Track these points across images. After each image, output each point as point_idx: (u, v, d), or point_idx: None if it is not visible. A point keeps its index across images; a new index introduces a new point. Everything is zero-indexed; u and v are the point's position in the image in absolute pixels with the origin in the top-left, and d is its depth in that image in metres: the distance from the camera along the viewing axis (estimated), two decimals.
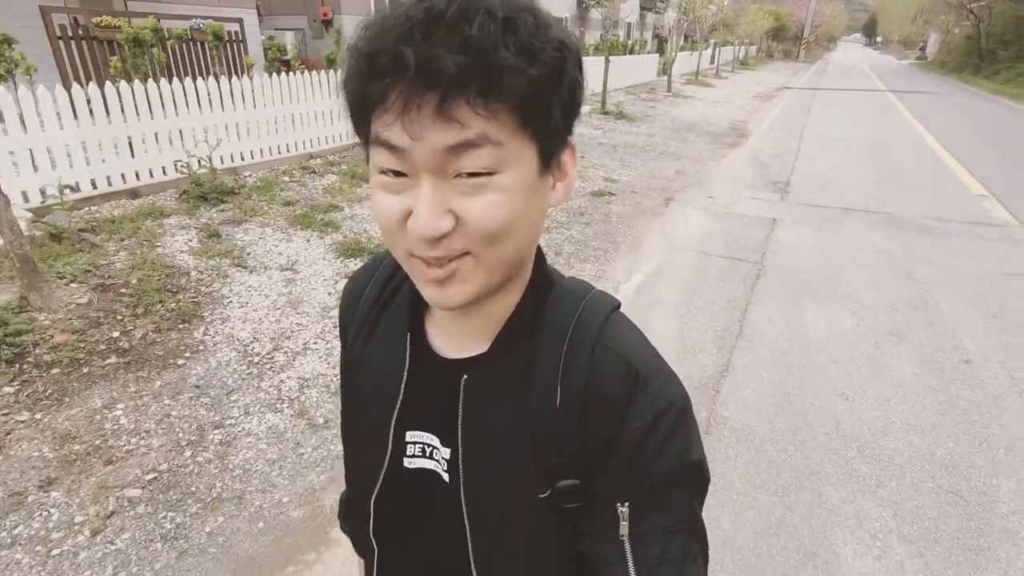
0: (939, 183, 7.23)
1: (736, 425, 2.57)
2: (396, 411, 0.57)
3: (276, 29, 13.77)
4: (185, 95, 4.94)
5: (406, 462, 0.58)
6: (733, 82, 22.08)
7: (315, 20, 13.92)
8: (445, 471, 0.56)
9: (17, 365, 2.63)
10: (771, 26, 37.29)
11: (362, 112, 0.43)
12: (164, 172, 4.89)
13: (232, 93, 5.33)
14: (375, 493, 0.60)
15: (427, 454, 0.58)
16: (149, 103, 4.67)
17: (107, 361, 2.76)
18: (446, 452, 0.56)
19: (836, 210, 5.90)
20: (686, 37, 24.00)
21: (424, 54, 0.37)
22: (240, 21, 9.91)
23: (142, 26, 5.62)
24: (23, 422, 2.37)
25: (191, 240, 4.04)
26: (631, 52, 18.58)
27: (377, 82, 0.39)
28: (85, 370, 2.68)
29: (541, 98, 0.41)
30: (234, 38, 9.43)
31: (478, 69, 0.38)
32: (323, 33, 13.74)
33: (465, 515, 0.55)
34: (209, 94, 5.14)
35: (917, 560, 1.92)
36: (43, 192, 4.03)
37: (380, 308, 0.61)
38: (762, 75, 27.16)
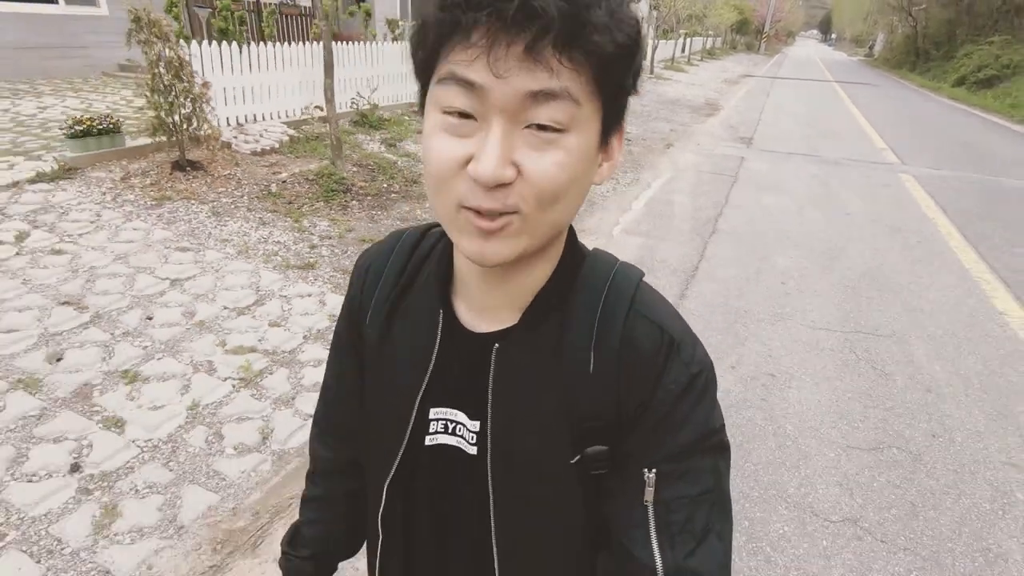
0: (857, 141, 9.97)
1: (727, 231, 5.03)
2: (423, 388, 0.56)
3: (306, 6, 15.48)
4: (347, 54, 7.09)
5: (427, 440, 0.57)
6: (703, 69, 24.81)
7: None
8: (473, 444, 0.55)
9: (348, 194, 4.86)
10: (736, 20, 40.36)
11: (436, 47, 0.42)
12: (336, 108, 7.02)
13: (373, 55, 7.49)
14: (391, 475, 0.59)
15: (449, 430, 0.57)
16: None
17: (392, 194, 5.02)
18: (474, 425, 0.55)
19: (784, 154, 8.50)
20: (657, 27, 26.56)
21: None
22: None
23: (328, 3, 7.69)
24: (376, 214, 4.62)
25: (380, 147, 6.26)
26: None
27: (472, 12, 0.38)
28: (384, 198, 4.93)
29: (618, 66, 0.42)
30: (307, 12, 11.39)
31: (576, 20, 0.38)
32: (355, 9, 15.58)
33: (490, 486, 0.54)
34: (356, 54, 7.30)
35: (806, 259, 4.42)
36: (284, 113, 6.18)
37: (404, 286, 0.59)
38: (727, 64, 30.04)
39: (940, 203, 6.25)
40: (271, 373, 2.63)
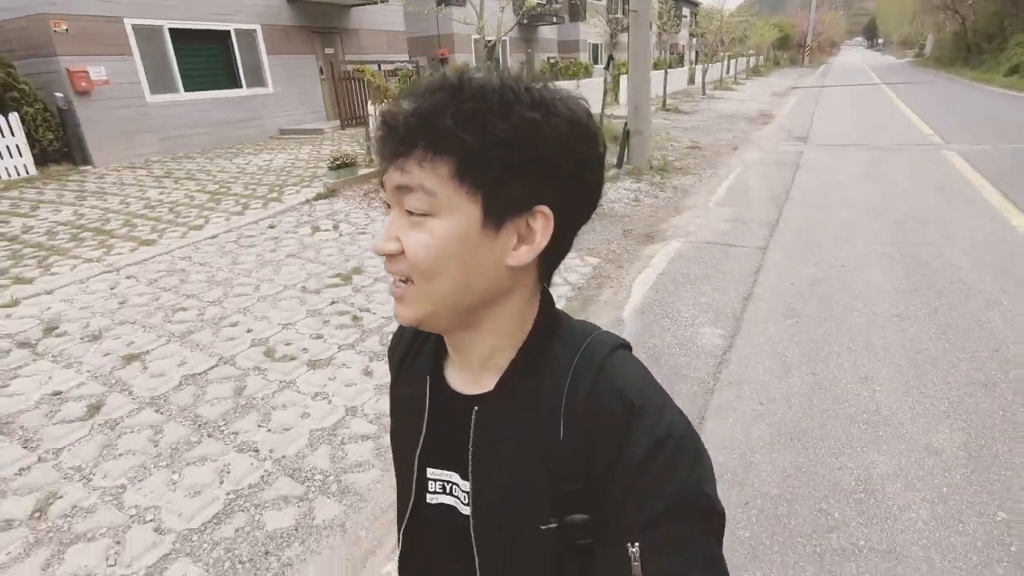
0: (905, 131, 11.19)
1: (797, 199, 6.52)
2: (419, 449, 0.63)
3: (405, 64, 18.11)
4: None
5: (428, 498, 0.64)
6: (750, 86, 26.23)
7: (433, 58, 18.37)
8: (466, 504, 0.60)
9: None
10: (776, 37, 41.60)
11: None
12: None
13: None
14: (403, 525, 0.67)
15: (447, 490, 0.63)
16: None
17: None
18: (466, 486, 0.60)
19: (838, 146, 9.89)
20: (698, 53, 28.32)
21: (392, 113, 0.50)
22: (416, 63, 14.36)
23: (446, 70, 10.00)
24: None
25: None
26: (671, 67, 22.87)
27: (376, 137, 0.52)
28: None
29: (482, 162, 0.48)
30: (416, 73, 13.82)
31: (422, 131, 0.48)
32: (439, 68, 18.16)
33: (474, 545, 0.59)
34: None
35: (863, 211, 5.86)
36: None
37: (413, 354, 0.68)
38: (773, 80, 31.29)
39: (977, 167, 7.50)
40: None
